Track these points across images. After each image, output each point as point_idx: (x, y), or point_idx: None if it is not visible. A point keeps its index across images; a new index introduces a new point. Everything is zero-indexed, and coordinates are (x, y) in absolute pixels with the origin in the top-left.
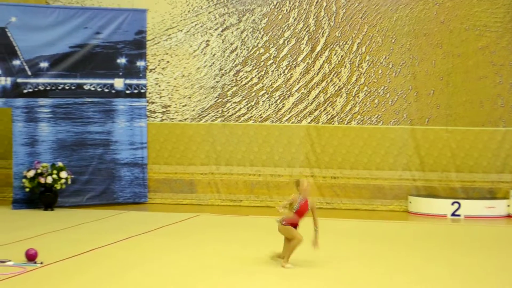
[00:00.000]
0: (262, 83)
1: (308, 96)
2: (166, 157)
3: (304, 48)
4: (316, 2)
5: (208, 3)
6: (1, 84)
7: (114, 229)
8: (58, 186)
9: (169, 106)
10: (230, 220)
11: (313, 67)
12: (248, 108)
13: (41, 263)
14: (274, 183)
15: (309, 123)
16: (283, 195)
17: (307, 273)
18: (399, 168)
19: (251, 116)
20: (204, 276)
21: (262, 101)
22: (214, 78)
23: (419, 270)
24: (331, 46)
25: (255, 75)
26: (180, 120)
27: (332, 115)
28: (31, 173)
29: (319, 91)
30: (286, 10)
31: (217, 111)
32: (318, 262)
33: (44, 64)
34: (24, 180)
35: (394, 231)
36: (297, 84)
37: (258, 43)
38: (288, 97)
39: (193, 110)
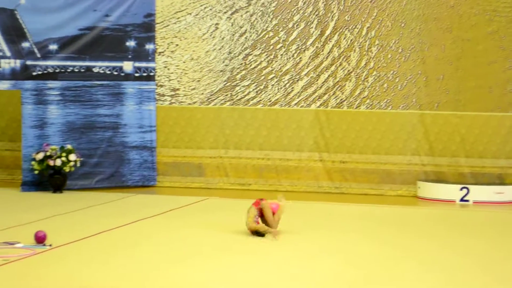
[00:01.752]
0: (271, 67)
1: (317, 80)
2: (175, 141)
3: (313, 32)
4: None
5: None
6: (10, 67)
7: (122, 212)
8: (67, 169)
9: (178, 89)
10: (239, 203)
11: (322, 51)
12: (257, 92)
13: (50, 245)
14: (283, 167)
15: (318, 107)
16: (292, 179)
17: (314, 257)
18: (408, 153)
19: (260, 100)
20: (210, 257)
21: (271, 85)
22: (223, 62)
23: (427, 254)
24: (341, 30)
25: (264, 59)
26: (189, 104)
27: (341, 99)
28: (40, 156)
29: (328, 75)
30: None
31: (226, 95)
32: (328, 245)
33: (53, 47)
34: (33, 162)
35: (403, 216)
36: (306, 68)
37: (267, 26)
38: (297, 81)
39: (202, 93)
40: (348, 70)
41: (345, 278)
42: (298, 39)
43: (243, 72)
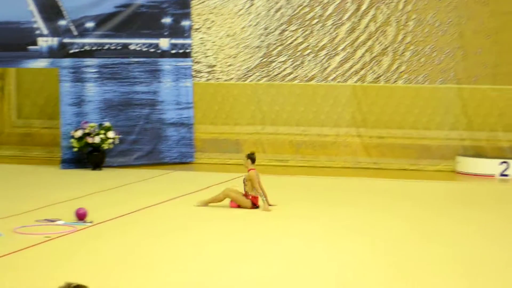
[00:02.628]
0: (308, 42)
1: (354, 55)
2: (212, 117)
3: (349, 6)
4: None
5: None
6: (48, 45)
7: (161, 188)
8: (105, 146)
9: (215, 66)
10: (276, 179)
11: (359, 26)
12: (293, 67)
13: (91, 222)
14: (320, 143)
15: (355, 82)
16: (329, 155)
17: (350, 235)
18: (446, 127)
19: (297, 76)
20: (245, 231)
21: (308, 61)
22: (259, 38)
23: (461, 232)
24: (377, 4)
25: (300, 34)
26: (226, 80)
27: (378, 74)
28: (79, 133)
29: (365, 50)
30: None
31: (263, 71)
32: (364, 222)
33: (90, 24)
34: (72, 140)
35: (441, 191)
36: (343, 43)
37: (303, 2)
38: (334, 56)
39: (239, 69)
40: (385, 45)
41: (374, 256)
42: (334, 14)
43: (279, 48)
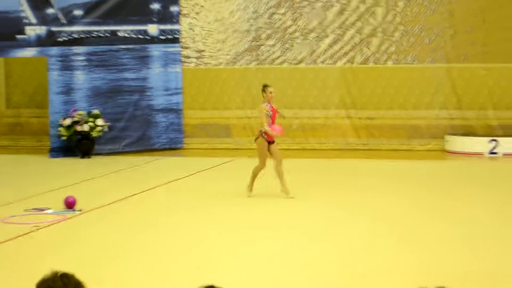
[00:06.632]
0: (297, 25)
1: (343, 37)
2: (202, 102)
3: None
4: None
5: None
6: (36, 33)
7: (151, 175)
8: (94, 134)
9: (203, 50)
10: (267, 162)
11: (348, 7)
12: (282, 51)
13: (80, 210)
14: (309, 126)
15: (344, 64)
16: (319, 137)
17: (339, 217)
18: (436, 107)
19: (286, 59)
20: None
21: (297, 43)
22: (248, 21)
23: (453, 209)
24: None
25: (289, 17)
26: (215, 65)
27: (367, 55)
28: (68, 121)
29: (355, 32)
30: None
31: (251, 55)
32: (355, 202)
33: (78, 12)
34: (60, 128)
35: (431, 171)
36: (332, 25)
37: None
38: (323, 38)
39: (228, 54)
40: (374, 26)
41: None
42: None
43: (268, 31)
